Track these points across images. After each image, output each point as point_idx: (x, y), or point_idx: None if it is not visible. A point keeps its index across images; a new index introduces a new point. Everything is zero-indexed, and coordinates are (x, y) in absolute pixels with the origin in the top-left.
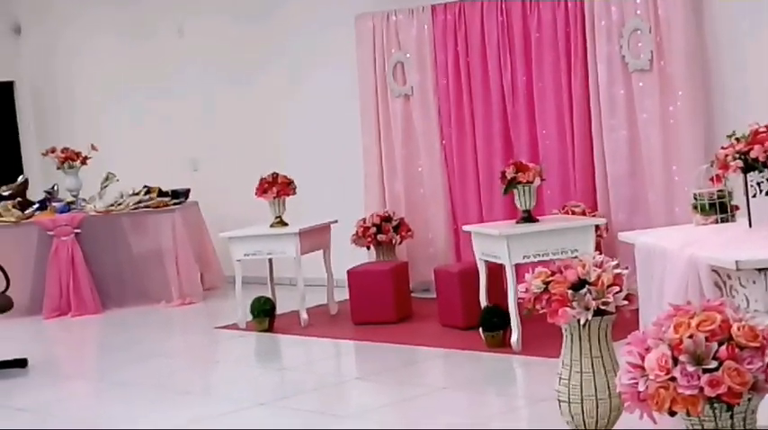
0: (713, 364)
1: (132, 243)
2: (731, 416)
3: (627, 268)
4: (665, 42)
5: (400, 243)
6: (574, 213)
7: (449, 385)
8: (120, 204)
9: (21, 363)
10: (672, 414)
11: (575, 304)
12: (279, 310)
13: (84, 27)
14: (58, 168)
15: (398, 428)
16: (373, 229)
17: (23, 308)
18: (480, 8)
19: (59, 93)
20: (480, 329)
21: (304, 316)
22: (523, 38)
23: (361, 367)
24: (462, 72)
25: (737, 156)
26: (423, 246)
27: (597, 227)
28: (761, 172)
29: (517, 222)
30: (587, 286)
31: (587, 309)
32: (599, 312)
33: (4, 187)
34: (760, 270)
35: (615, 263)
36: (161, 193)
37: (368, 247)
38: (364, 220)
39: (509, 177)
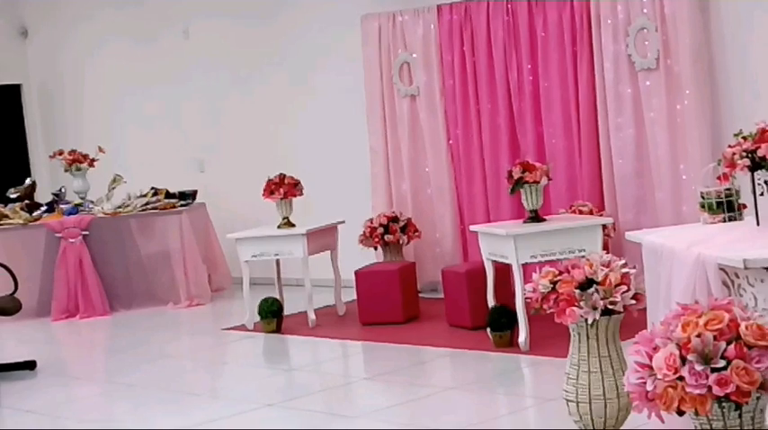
0: (721, 363)
1: (140, 245)
2: (739, 416)
3: (634, 267)
4: (671, 41)
5: (407, 243)
6: (581, 213)
7: (456, 385)
8: (127, 206)
9: (29, 365)
10: (680, 413)
11: (582, 304)
12: (286, 311)
13: (91, 30)
14: (66, 170)
15: (406, 428)
16: (380, 230)
17: (32, 310)
18: (486, 8)
19: (66, 95)
20: (488, 329)
21: (312, 316)
22: (529, 37)
23: (368, 367)
24: (469, 72)
25: (745, 154)
26: (430, 247)
27: (604, 226)
28: None
29: (524, 222)
30: (595, 285)
31: (595, 308)
32: (606, 312)
33: (11, 189)
34: None
35: (623, 262)
36: (168, 195)
37: (375, 248)
38: (371, 221)
39: (516, 177)
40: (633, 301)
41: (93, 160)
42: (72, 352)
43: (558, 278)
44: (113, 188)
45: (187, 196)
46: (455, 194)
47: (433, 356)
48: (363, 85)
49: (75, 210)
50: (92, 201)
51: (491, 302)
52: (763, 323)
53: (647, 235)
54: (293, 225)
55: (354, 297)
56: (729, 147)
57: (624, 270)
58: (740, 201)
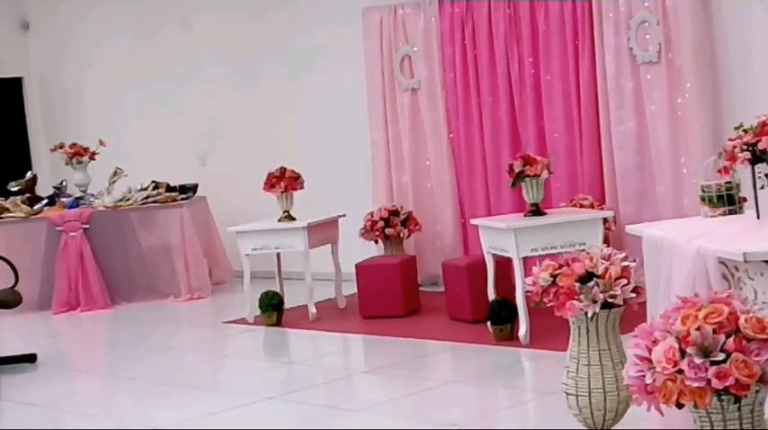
0: (720, 356)
1: (141, 238)
2: (738, 409)
3: (634, 261)
4: (672, 34)
5: (408, 237)
6: (582, 206)
7: (457, 378)
8: (128, 199)
9: (30, 358)
10: (679, 406)
11: (582, 297)
12: (287, 305)
13: (93, 23)
14: (67, 164)
15: (407, 422)
16: (381, 223)
17: (32, 303)
18: (488, 1)
19: (68, 88)
20: (488, 323)
21: (312, 310)
22: (531, 31)
23: (369, 361)
24: (470, 65)
25: (745, 147)
26: (430, 240)
27: (605, 219)
28: None
29: (525, 215)
30: (595, 279)
31: (595, 301)
32: (606, 305)
33: (12, 183)
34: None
35: (623, 255)
36: (169, 188)
37: (376, 241)
38: (372, 214)
39: (517, 170)
40: (633, 295)
41: (93, 153)
42: (73, 345)
43: (559, 271)
44: (114, 181)
45: (188, 189)
46: (456, 188)
47: (434, 350)
48: (364, 79)
49: (76, 203)
50: (92, 195)
51: (491, 296)
52: (762, 316)
53: (648, 228)
54: (294, 218)
55: (355, 290)
56: (730, 140)
57: (624, 263)
58: (740, 195)
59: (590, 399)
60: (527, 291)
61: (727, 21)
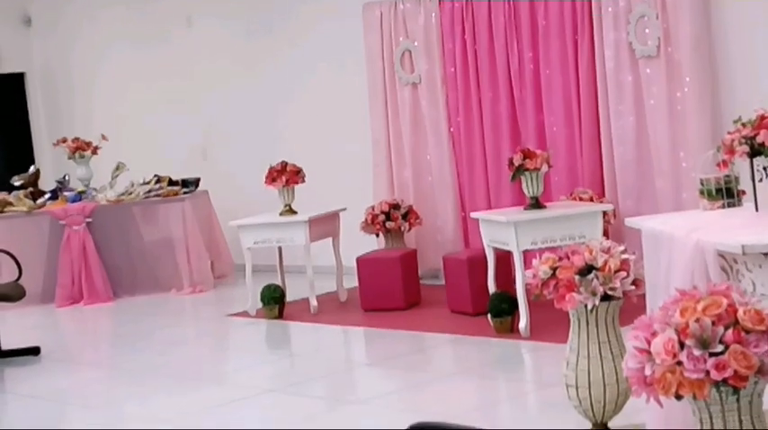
0: (719, 348)
1: (143, 232)
2: (737, 400)
3: (634, 253)
4: (672, 28)
5: (409, 230)
6: (581, 199)
7: (457, 371)
8: (130, 193)
9: (33, 351)
10: (678, 398)
11: (582, 290)
12: (288, 298)
13: (95, 18)
14: (69, 158)
15: (408, 414)
16: (382, 217)
17: (36, 296)
18: None
19: (70, 83)
20: (488, 315)
21: (314, 303)
22: (531, 25)
23: (370, 353)
24: (470, 60)
25: (744, 141)
26: (431, 234)
27: (604, 213)
28: (767, 156)
29: (525, 209)
30: (594, 272)
31: (594, 294)
32: (606, 297)
33: (15, 177)
34: (766, 254)
35: (622, 248)
36: (171, 182)
37: (377, 235)
38: (373, 208)
39: (516, 164)
40: (632, 287)
41: (96, 148)
42: (76, 338)
43: (558, 264)
44: (116, 176)
45: (190, 184)
46: (456, 181)
47: (434, 342)
48: (365, 73)
49: (79, 197)
50: (95, 189)
51: (492, 289)
52: (761, 308)
53: (647, 221)
54: (295, 212)
55: (356, 283)
56: (729, 133)
57: (624, 256)
58: (739, 188)
59: (590, 391)
60: (527, 284)
61: (726, 15)
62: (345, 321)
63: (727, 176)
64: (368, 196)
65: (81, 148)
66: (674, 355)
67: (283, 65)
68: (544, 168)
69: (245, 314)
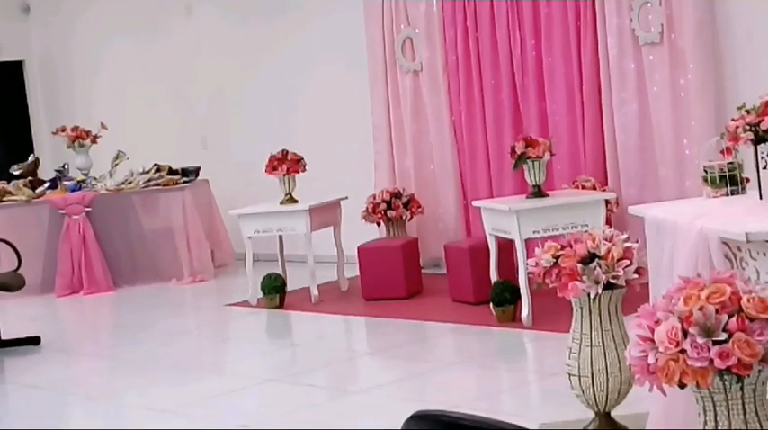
0: (723, 336)
1: (143, 221)
2: (741, 388)
3: (637, 242)
4: (675, 15)
5: (410, 219)
6: (584, 188)
7: (459, 360)
8: (130, 182)
9: (33, 341)
10: (681, 386)
11: (584, 278)
12: (289, 287)
13: (94, 6)
14: (69, 147)
15: (409, 403)
16: (383, 206)
17: (35, 286)
18: None
19: (69, 71)
20: (490, 304)
21: (314, 292)
22: (533, 12)
23: (371, 343)
24: (471, 47)
25: (748, 127)
26: (433, 222)
27: (607, 201)
28: None
29: (527, 197)
30: (597, 260)
31: (597, 282)
32: (609, 286)
33: (15, 166)
34: None
35: (625, 236)
36: (171, 172)
37: (378, 224)
38: (374, 197)
39: (519, 152)
40: (635, 276)
41: (95, 137)
42: (76, 328)
43: (561, 253)
44: (116, 165)
45: (190, 173)
46: (458, 170)
47: (436, 332)
48: (366, 61)
49: (78, 186)
50: (95, 178)
51: (494, 277)
52: (764, 296)
53: (650, 209)
54: (296, 201)
55: (357, 273)
56: (733, 120)
57: (627, 244)
58: (743, 175)
59: (592, 380)
60: (529, 273)
61: (729, 1)
62: (346, 310)
63: (731, 163)
64: (369, 185)
65: (80, 137)
66: (678, 343)
67: (284, 53)
68: (546, 156)
69: (245, 303)
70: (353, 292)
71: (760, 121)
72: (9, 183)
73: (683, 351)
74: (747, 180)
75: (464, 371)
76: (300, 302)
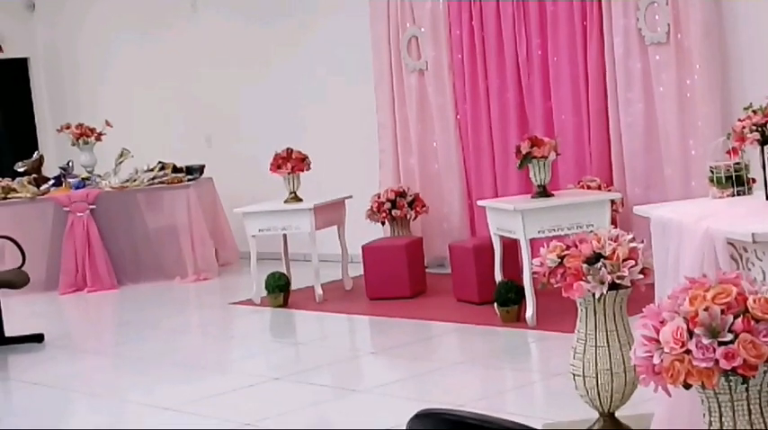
0: (729, 337)
1: (147, 219)
2: (746, 389)
3: (642, 242)
4: (682, 15)
5: (415, 218)
6: (589, 188)
7: (463, 360)
8: (134, 180)
9: (37, 338)
10: (687, 387)
11: (590, 278)
12: (293, 286)
13: (99, 3)
14: (73, 144)
15: (413, 402)
16: (388, 205)
17: (40, 283)
18: None
19: (74, 68)
20: (495, 304)
21: (319, 291)
22: (539, 11)
23: (375, 342)
24: (477, 46)
25: (754, 128)
26: (437, 222)
27: (613, 201)
28: None
29: (532, 197)
30: (602, 260)
31: (602, 283)
32: (614, 286)
33: (19, 163)
34: None
35: (631, 236)
36: (175, 169)
37: (382, 223)
38: (379, 196)
39: (524, 152)
40: (641, 276)
41: (100, 134)
42: (80, 325)
43: (566, 252)
44: (121, 162)
45: (194, 171)
46: (463, 169)
47: (440, 331)
48: (371, 60)
49: (83, 184)
50: (99, 176)
51: (498, 277)
52: None
53: (656, 209)
54: (300, 199)
55: (361, 272)
56: (739, 120)
57: (632, 244)
58: (749, 176)
59: (597, 381)
60: (534, 273)
61: (736, 1)
62: (350, 310)
63: (738, 164)
64: (374, 184)
65: (85, 135)
66: (683, 344)
67: (289, 51)
68: (552, 156)
69: (249, 302)
70: (357, 291)
71: (766, 122)
72: (13, 180)
73: (688, 351)
74: (754, 181)
75: (468, 370)
76: (304, 301)
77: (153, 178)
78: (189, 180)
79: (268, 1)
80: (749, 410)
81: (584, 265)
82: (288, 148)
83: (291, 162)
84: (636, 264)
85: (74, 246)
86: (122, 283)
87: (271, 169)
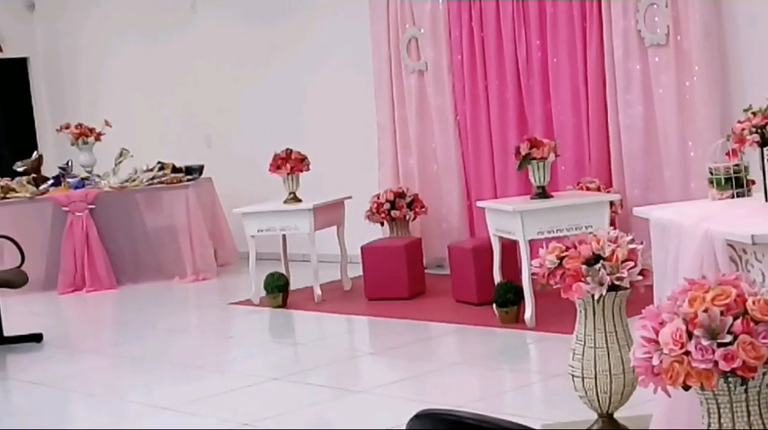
0: (728, 338)
1: (146, 219)
2: (746, 391)
3: (641, 243)
4: (681, 17)
5: (414, 219)
6: (588, 189)
7: (462, 361)
8: (133, 180)
9: (36, 338)
10: (686, 388)
11: (589, 279)
12: (292, 286)
13: (99, 3)
14: (72, 144)
15: (411, 403)
16: (387, 205)
17: (38, 283)
18: None
19: (73, 68)
20: (494, 305)
21: (317, 291)
22: (538, 12)
23: (374, 343)
24: (477, 47)
25: (754, 130)
26: (436, 222)
27: (612, 203)
28: None
29: (531, 198)
30: (601, 261)
31: (601, 284)
32: (613, 287)
33: (18, 163)
34: None
35: (630, 238)
36: (175, 169)
37: (381, 223)
38: (378, 196)
39: (523, 153)
40: (640, 277)
41: (99, 134)
42: (79, 325)
43: (565, 254)
44: (120, 162)
45: (193, 171)
46: (462, 170)
47: (439, 332)
48: (371, 61)
49: (82, 183)
50: (98, 175)
51: (497, 278)
52: None
53: (655, 210)
54: (300, 200)
55: (360, 272)
56: (739, 122)
57: (631, 246)
58: (749, 177)
59: (596, 382)
60: (533, 274)
61: (736, 3)
62: (349, 310)
63: (737, 166)
64: (373, 184)
65: (84, 134)
66: (682, 345)
67: (289, 52)
68: (551, 157)
69: (248, 302)
70: (356, 292)
71: (766, 124)
72: (13, 179)
73: (687, 353)
74: (753, 182)
75: (467, 371)
76: (303, 301)
77: (152, 178)
78: (188, 180)
79: (268, 1)
80: (748, 412)
81: (584, 267)
82: (287, 149)
83: (291, 162)
84: (635, 266)
85: (73, 246)
86: (121, 283)
87: (270, 169)
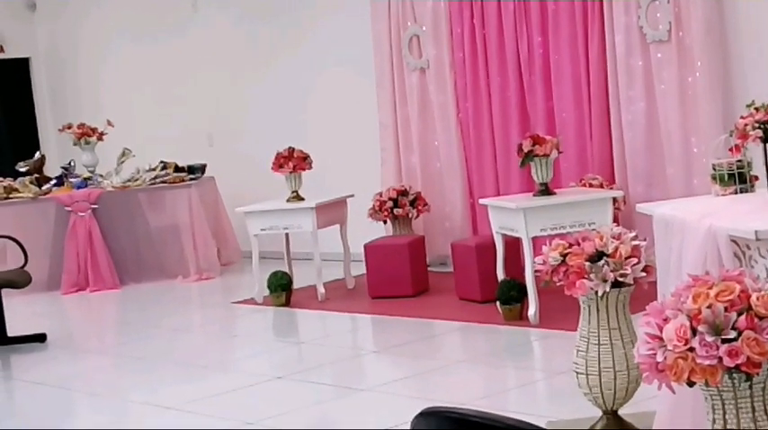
0: (732, 334)
1: (149, 218)
2: (750, 387)
3: (645, 240)
4: (683, 13)
5: (417, 217)
6: (591, 186)
7: (466, 358)
8: (136, 180)
9: (40, 338)
10: (690, 384)
11: (592, 276)
12: (296, 285)
13: (100, 3)
14: (75, 144)
15: (415, 401)
16: (390, 203)
17: (42, 283)
18: None
19: (75, 68)
20: (497, 303)
21: (321, 290)
22: (540, 9)
23: (378, 341)
24: (479, 45)
25: (757, 125)
26: (439, 220)
27: (615, 199)
28: None
29: (534, 195)
30: (605, 258)
31: (605, 280)
32: (617, 284)
33: (21, 163)
34: None
35: (633, 234)
36: (177, 169)
37: (384, 222)
38: (381, 194)
39: (526, 150)
40: (643, 274)
41: (101, 134)
42: (82, 325)
43: (568, 250)
44: (122, 162)
45: (196, 170)
46: (465, 168)
47: (443, 330)
48: (373, 59)
49: (85, 183)
50: (101, 175)
51: (501, 276)
52: None
53: (658, 207)
54: (302, 199)
55: (363, 271)
56: (742, 118)
57: (635, 242)
58: (752, 173)
59: (600, 379)
60: (536, 271)
61: None
62: (353, 308)
63: (740, 161)
64: (376, 182)
65: (86, 134)
66: (687, 341)
67: (291, 50)
68: (554, 154)
69: (251, 301)
70: (360, 290)
71: None
72: (15, 180)
73: (691, 349)
74: (756, 178)
75: (471, 369)
76: (307, 300)
77: (155, 178)
78: (191, 179)
79: (269, 0)
80: (753, 408)
81: (587, 263)
82: (289, 147)
83: (293, 161)
84: (638, 262)
85: (76, 246)
86: (124, 283)
87: (272, 168)
